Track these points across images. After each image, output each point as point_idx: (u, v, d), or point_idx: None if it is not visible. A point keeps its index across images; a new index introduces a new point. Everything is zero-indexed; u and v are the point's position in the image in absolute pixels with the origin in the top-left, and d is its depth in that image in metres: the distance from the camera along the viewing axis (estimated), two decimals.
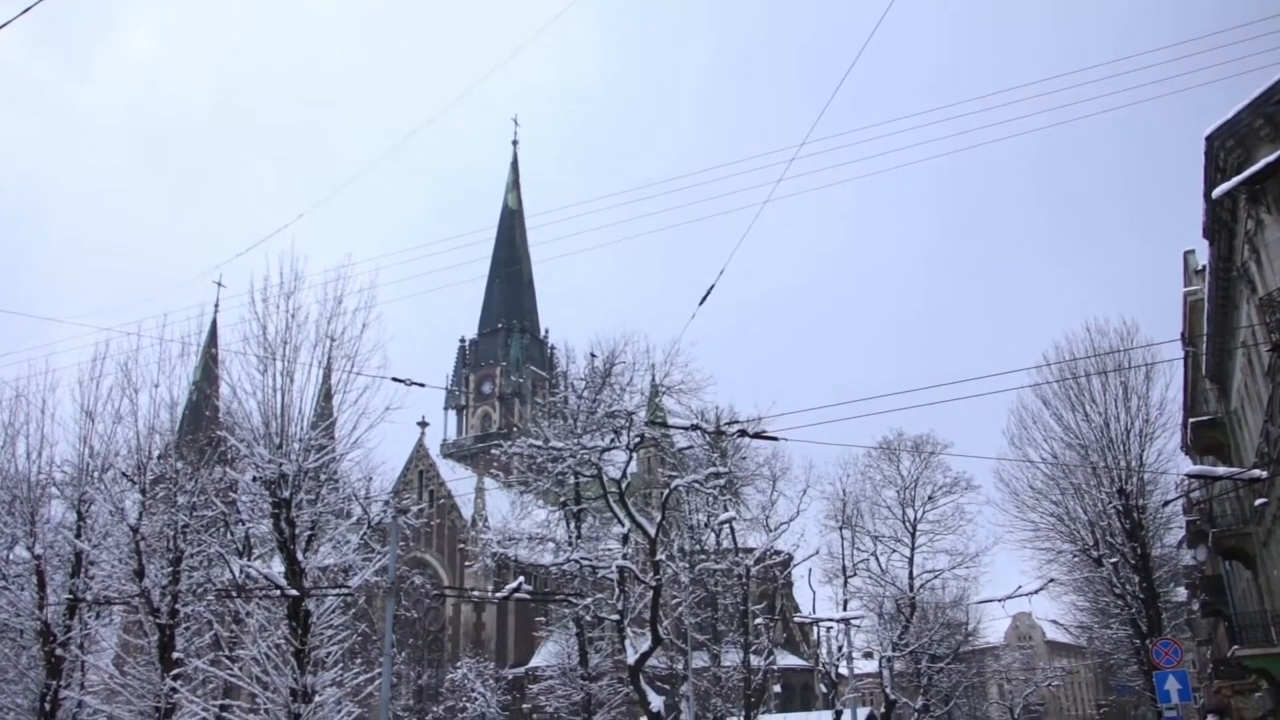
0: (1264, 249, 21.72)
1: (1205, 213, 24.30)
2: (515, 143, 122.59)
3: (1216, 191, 21.82)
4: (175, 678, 30.57)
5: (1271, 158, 19.81)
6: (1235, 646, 32.77)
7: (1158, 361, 40.43)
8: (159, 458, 33.60)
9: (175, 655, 31.13)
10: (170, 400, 33.55)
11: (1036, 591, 43.41)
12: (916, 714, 59.56)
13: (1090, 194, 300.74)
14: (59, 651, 32.25)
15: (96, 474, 33.15)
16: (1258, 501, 27.64)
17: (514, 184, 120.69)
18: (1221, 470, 28.78)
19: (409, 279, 48.57)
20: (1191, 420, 35.26)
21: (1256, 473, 24.93)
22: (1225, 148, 21.74)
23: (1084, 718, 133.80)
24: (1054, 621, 69.07)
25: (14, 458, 34.58)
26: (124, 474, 32.73)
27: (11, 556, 34.66)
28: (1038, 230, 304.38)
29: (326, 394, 31.31)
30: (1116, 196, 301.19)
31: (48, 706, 32.10)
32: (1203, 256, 29.07)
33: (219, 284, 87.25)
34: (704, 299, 19.24)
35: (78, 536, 33.06)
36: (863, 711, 56.21)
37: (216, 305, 72.46)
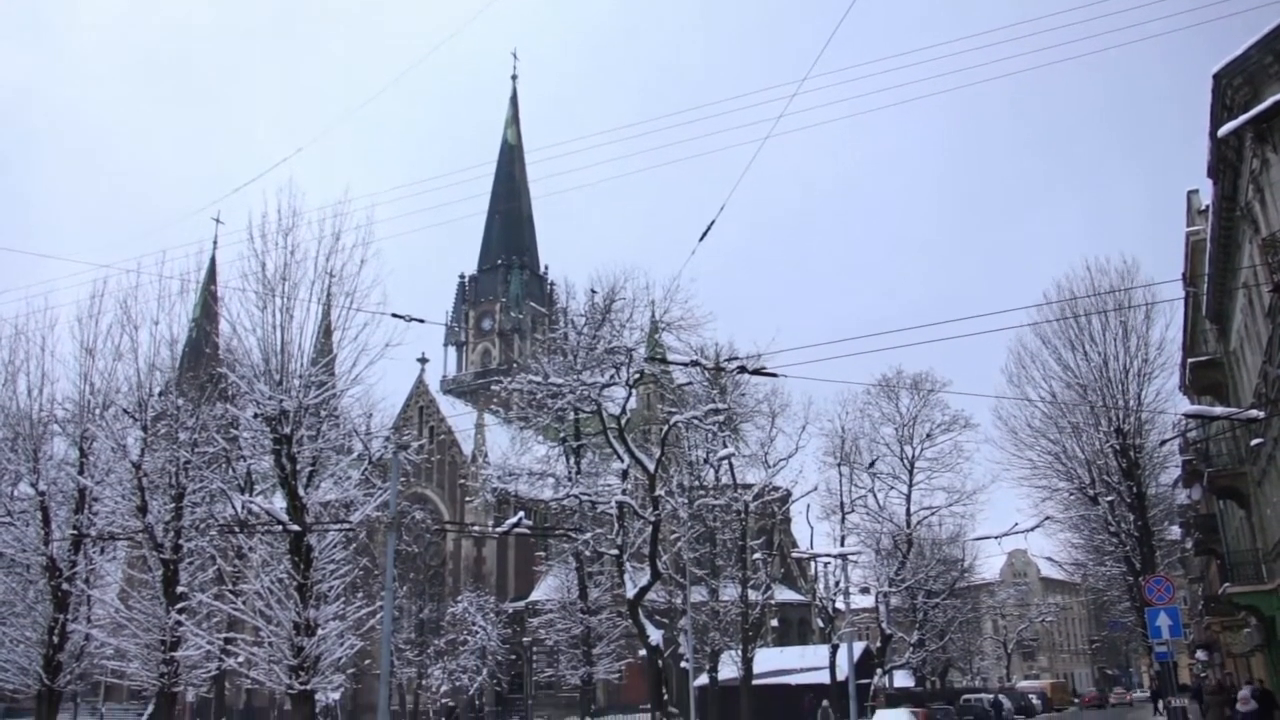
0: (1269, 188, 21.56)
1: (1210, 151, 24.08)
2: (515, 77, 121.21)
3: (1222, 130, 21.58)
4: (180, 612, 30.97)
5: None
6: (1227, 584, 33.17)
7: (1158, 301, 40.43)
8: (160, 394, 33.69)
9: (179, 590, 31.50)
10: (170, 337, 33.57)
11: (1032, 529, 43.92)
12: (911, 648, 60.39)
13: (1096, 132, 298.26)
14: (65, 586, 32.62)
15: (98, 411, 33.24)
16: (1254, 441, 27.77)
17: (513, 119, 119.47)
18: (1219, 410, 28.82)
19: (408, 215, 48.40)
20: (1190, 360, 35.30)
21: (1254, 413, 24.98)
22: (1233, 85, 21.48)
23: (1076, 653, 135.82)
24: (1049, 558, 69.72)
25: (15, 395, 34.66)
26: (125, 411, 32.84)
27: (16, 493, 34.91)
28: (1042, 168, 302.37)
29: (326, 330, 31.29)
30: (1122, 135, 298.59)
31: (56, 639, 32.56)
32: (1206, 196, 28.88)
33: (217, 221, 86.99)
34: (704, 235, 19.12)
35: (80, 473, 33.26)
36: (859, 645, 56.97)
37: (215, 242, 72.28)
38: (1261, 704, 27.70)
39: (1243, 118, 19.86)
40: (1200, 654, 68.01)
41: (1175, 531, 53.72)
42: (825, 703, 45.97)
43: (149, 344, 33.15)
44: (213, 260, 71.03)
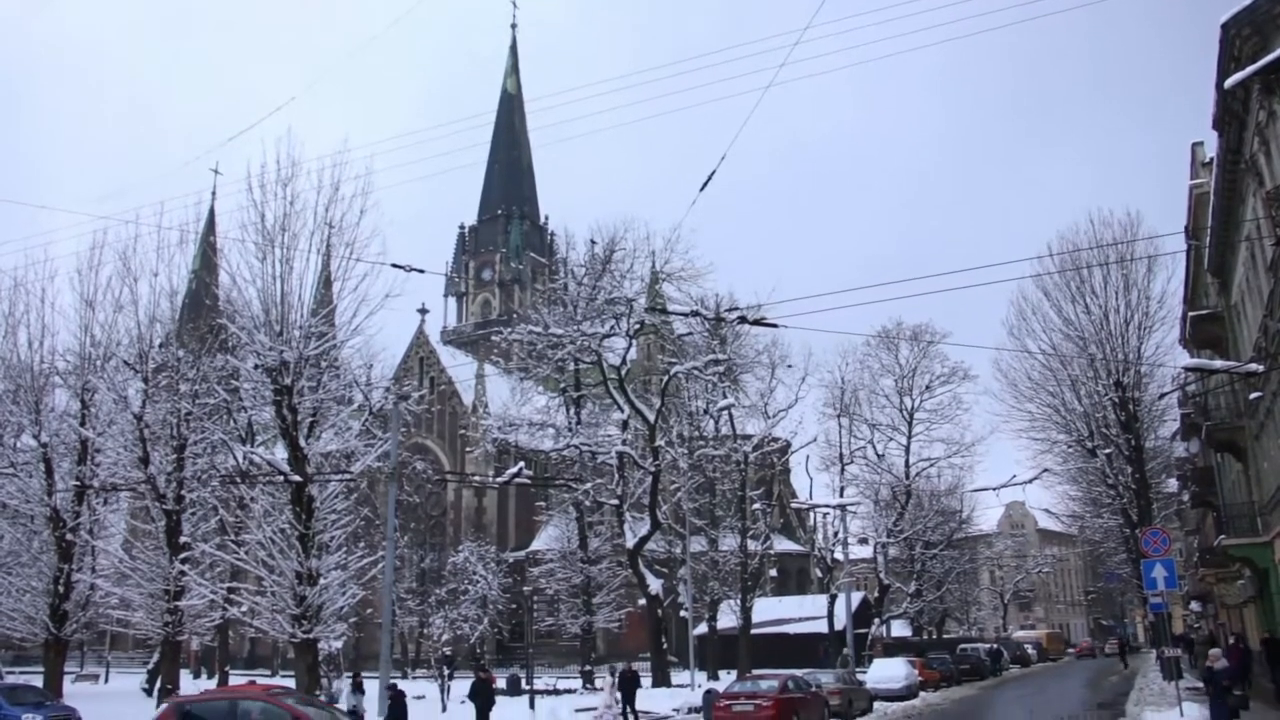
0: (1274, 141, 21.37)
1: (1216, 103, 23.84)
2: (514, 26, 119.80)
3: (1229, 81, 21.33)
4: (183, 561, 31.23)
5: None
6: (1222, 536, 33.36)
7: (1160, 254, 40.24)
8: (160, 346, 33.74)
9: (182, 540, 31.74)
10: (170, 289, 33.57)
11: (1030, 481, 44.11)
12: (909, 598, 60.90)
13: (1102, 83, 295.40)
14: (69, 536, 32.88)
15: (99, 363, 33.30)
16: (1252, 395, 27.78)
17: (513, 68, 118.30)
18: (1219, 364, 28.80)
19: (407, 164, 47.98)
20: (1191, 314, 35.22)
21: (1253, 366, 24.96)
22: (1241, 35, 21.20)
23: (1072, 604, 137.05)
24: (1046, 510, 70.19)
25: (16, 347, 34.73)
26: (126, 362, 32.89)
27: (18, 444, 35.06)
28: (1046, 119, 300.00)
29: (326, 281, 31.24)
30: (1129, 86, 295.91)
31: (61, 589, 32.86)
32: (1211, 148, 28.65)
33: (215, 171, 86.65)
34: (705, 185, 18.98)
35: (82, 424, 33.38)
36: (857, 595, 57.48)
37: (214, 193, 71.90)
38: (1241, 661, 28.02)
39: (1250, 69, 19.61)
40: (1194, 605, 68.61)
41: (1172, 484, 53.93)
42: (846, 650, 46.46)
43: (149, 296, 33.16)
44: (211, 211, 70.84)
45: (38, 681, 33.03)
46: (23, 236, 77.90)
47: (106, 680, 60.08)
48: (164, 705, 17.11)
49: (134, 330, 33.05)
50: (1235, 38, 21.24)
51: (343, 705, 25.75)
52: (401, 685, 36.29)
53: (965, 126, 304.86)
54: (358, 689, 26.51)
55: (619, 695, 26.33)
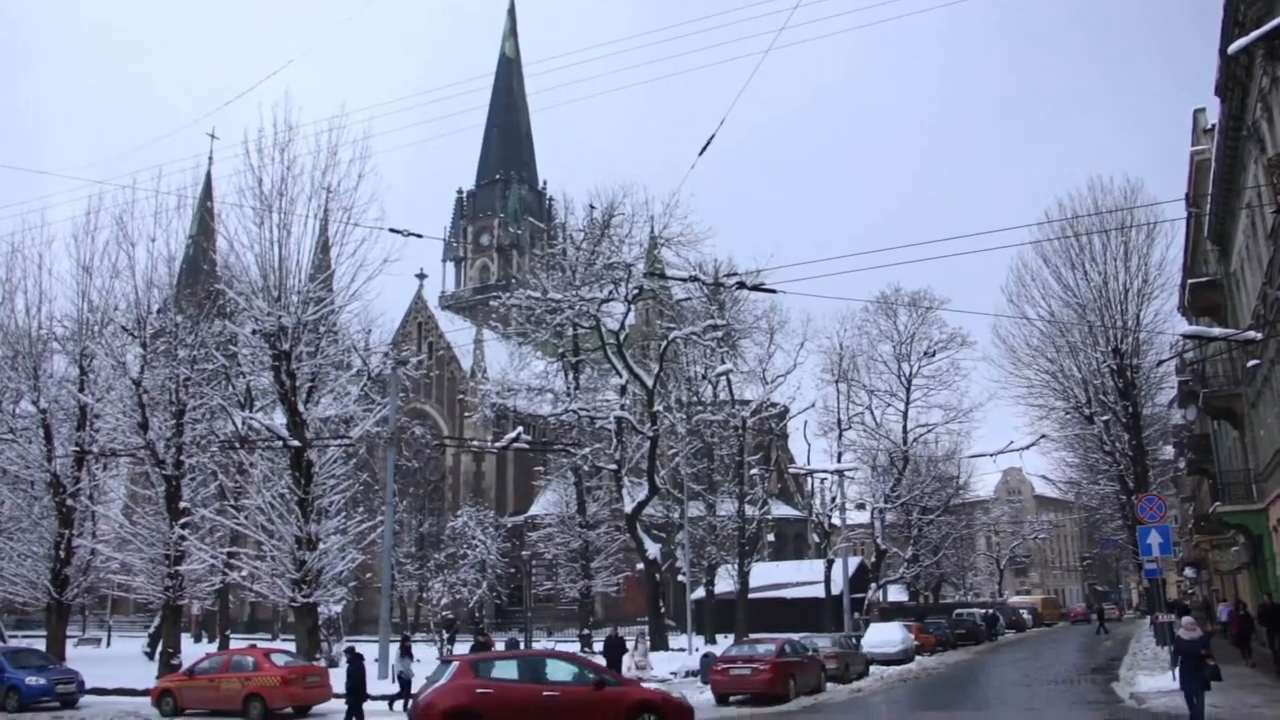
0: (1277, 107, 21.26)
1: (1219, 69, 23.70)
2: None
3: (1233, 46, 21.15)
4: (183, 527, 31.36)
5: None
6: (1217, 503, 33.54)
7: (1160, 221, 40.09)
8: (158, 311, 33.72)
9: (182, 505, 31.86)
10: (168, 254, 33.50)
11: (1028, 447, 44.14)
12: (906, 563, 61.22)
13: (1105, 49, 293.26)
14: (69, 502, 33.01)
15: (97, 328, 33.30)
16: (1250, 363, 27.80)
17: (511, 31, 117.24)
18: (1217, 331, 28.78)
19: (405, 128, 47.74)
20: (1190, 281, 35.18)
21: (1252, 334, 24.96)
22: (1245, 0, 21.06)
23: (1068, 569, 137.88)
24: (1043, 477, 70.45)
25: (13, 313, 34.72)
26: (124, 328, 32.88)
27: (18, 410, 35.11)
28: (1049, 84, 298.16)
29: (324, 246, 31.16)
30: (1132, 53, 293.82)
31: (62, 554, 33.03)
32: (1213, 115, 28.52)
33: (212, 136, 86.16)
34: (704, 149, 18.90)
35: (81, 390, 33.42)
36: (854, 560, 57.79)
37: (211, 157, 71.52)
38: (1242, 627, 28.19)
39: (1254, 34, 19.43)
40: (1189, 571, 69.08)
41: (1169, 451, 54.12)
42: (855, 615, 46.79)
43: (146, 261, 33.11)
44: (208, 176, 70.23)
45: (40, 645, 33.26)
46: (19, 201, 77.54)
47: (108, 644, 60.47)
48: (455, 663, 17.47)
49: (132, 296, 33.04)
50: (1239, 3, 21.08)
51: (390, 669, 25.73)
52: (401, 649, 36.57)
53: (966, 92, 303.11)
54: (406, 653, 26.10)
55: (650, 660, 25.65)
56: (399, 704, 24.09)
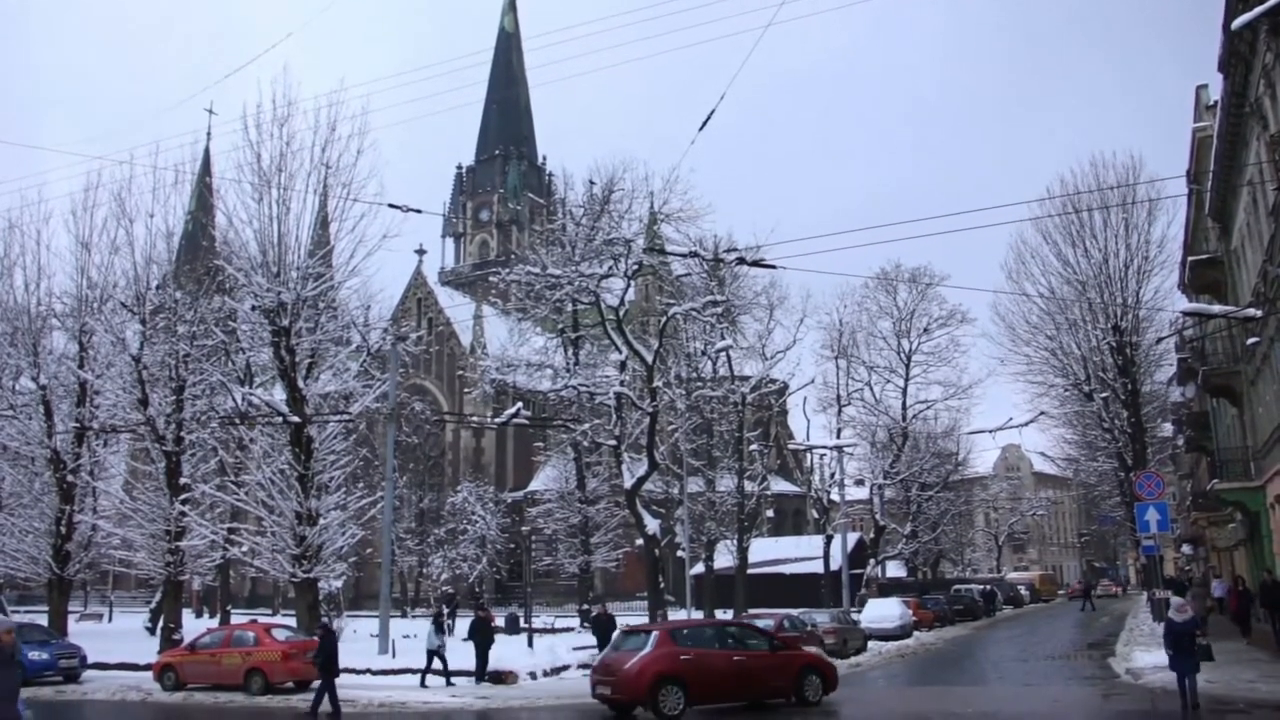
0: None
1: (1222, 45, 23.56)
2: None
3: (1237, 22, 21.03)
4: (184, 502, 31.43)
5: None
6: (1215, 480, 33.61)
7: (1161, 198, 39.96)
8: (157, 288, 33.65)
9: (183, 481, 31.94)
10: (166, 230, 33.39)
11: (1027, 424, 44.11)
12: (904, 539, 61.41)
13: (1111, 23, 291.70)
14: (70, 478, 33.08)
15: (96, 305, 33.26)
16: (1250, 340, 27.79)
17: (511, 6, 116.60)
18: (1217, 308, 28.75)
19: (404, 104, 47.51)
20: (1191, 258, 35.09)
21: (1251, 311, 24.95)
22: None
23: (1066, 546, 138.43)
24: (1042, 453, 70.35)
25: (12, 289, 34.68)
26: (123, 304, 32.85)
27: (17, 387, 35.13)
28: (1052, 59, 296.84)
29: (323, 222, 31.08)
30: (1135, 28, 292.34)
31: (63, 530, 33.12)
32: (1215, 92, 28.39)
33: (210, 111, 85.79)
34: (704, 124, 18.76)
35: (81, 367, 33.42)
36: (853, 536, 57.97)
37: (209, 133, 71.16)
38: (1241, 603, 28.24)
39: (1258, 9, 19.32)
40: (1186, 548, 69.34)
41: (1167, 429, 54.17)
42: (863, 591, 46.97)
43: (145, 237, 33.03)
44: (207, 152, 69.72)
45: (43, 620, 33.41)
46: (16, 177, 77.32)
47: (110, 619, 60.76)
48: (655, 632, 18.58)
49: (131, 272, 32.97)
50: None
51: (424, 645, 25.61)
52: (402, 624, 36.76)
53: (967, 68, 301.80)
54: (439, 628, 25.53)
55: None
56: (430, 677, 24.34)
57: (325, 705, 19.74)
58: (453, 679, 24.49)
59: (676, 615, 45.62)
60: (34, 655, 25.84)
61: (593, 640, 31.14)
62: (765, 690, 18.98)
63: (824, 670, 19.60)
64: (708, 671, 18.08)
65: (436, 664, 24.76)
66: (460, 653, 26.23)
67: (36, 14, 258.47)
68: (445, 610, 41.48)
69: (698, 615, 44.54)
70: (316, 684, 20.50)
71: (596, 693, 18.67)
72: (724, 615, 41.82)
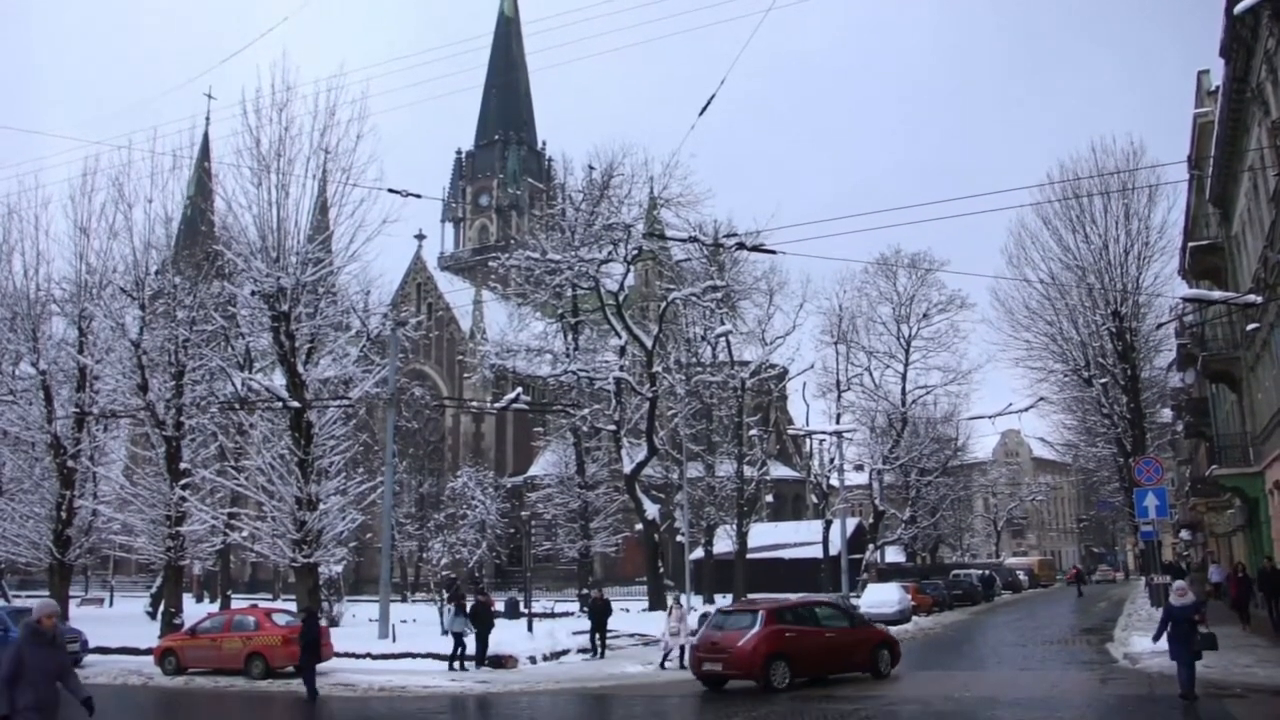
0: None
1: (1225, 30, 23.46)
2: None
3: (1239, 6, 20.99)
4: (184, 488, 31.46)
5: None
6: (1214, 466, 33.63)
7: (1162, 183, 39.85)
8: (156, 273, 33.61)
9: (183, 466, 31.96)
10: (165, 215, 33.33)
11: (1026, 409, 44.11)
12: (903, 525, 61.51)
13: (1109, 10, 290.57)
14: (70, 463, 33.10)
15: (95, 290, 33.21)
16: (1250, 326, 27.76)
17: None
18: (1217, 294, 28.70)
19: (403, 89, 47.39)
20: (1191, 244, 35.03)
21: (1252, 297, 24.93)
22: None
23: (1064, 531, 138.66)
24: (1041, 439, 70.40)
25: (11, 275, 34.62)
26: (123, 289, 32.81)
27: (17, 372, 35.12)
28: (1054, 44, 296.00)
29: (322, 207, 31.01)
30: (1137, 12, 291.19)
31: (64, 515, 33.16)
32: (1217, 77, 28.30)
33: (209, 96, 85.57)
34: (704, 109, 18.72)
35: (80, 352, 33.40)
36: (852, 521, 58.07)
37: (208, 118, 70.92)
38: (1240, 589, 28.21)
39: None
40: (1184, 534, 69.43)
41: (1166, 414, 54.17)
42: (864, 575, 47.02)
43: (144, 222, 32.96)
44: (206, 136, 69.59)
45: None
46: (14, 162, 76.98)
47: (111, 604, 60.85)
48: (761, 612, 19.94)
49: (130, 257, 32.92)
50: None
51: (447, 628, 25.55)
52: (402, 608, 36.80)
53: (967, 52, 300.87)
54: (461, 612, 25.20)
55: (688, 624, 25.14)
56: (458, 662, 24.38)
57: (317, 690, 19.82)
58: (466, 664, 24.56)
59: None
60: None
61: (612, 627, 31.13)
62: (848, 664, 20.64)
63: (892, 646, 21.31)
64: (805, 647, 19.77)
65: (456, 648, 24.77)
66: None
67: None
68: (457, 596, 41.53)
69: (697, 601, 44.69)
70: (298, 669, 20.54)
71: (703, 669, 19.88)
72: (724, 600, 41.89)
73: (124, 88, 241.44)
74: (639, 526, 48.58)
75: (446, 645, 25.06)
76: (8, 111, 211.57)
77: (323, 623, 28.38)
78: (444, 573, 49.19)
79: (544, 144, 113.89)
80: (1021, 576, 73.49)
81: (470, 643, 24.96)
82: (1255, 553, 33.17)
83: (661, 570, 45.77)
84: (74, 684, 9.45)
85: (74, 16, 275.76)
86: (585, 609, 42.28)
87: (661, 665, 24.32)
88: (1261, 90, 22.97)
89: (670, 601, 27.33)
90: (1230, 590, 31.05)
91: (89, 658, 27.05)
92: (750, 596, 35.15)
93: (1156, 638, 17.04)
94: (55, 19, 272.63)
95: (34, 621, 9.38)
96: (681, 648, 23.65)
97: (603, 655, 27.32)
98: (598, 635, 27.79)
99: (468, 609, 25.43)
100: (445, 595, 41.34)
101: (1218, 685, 17.16)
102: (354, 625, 34.36)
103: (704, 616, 28.15)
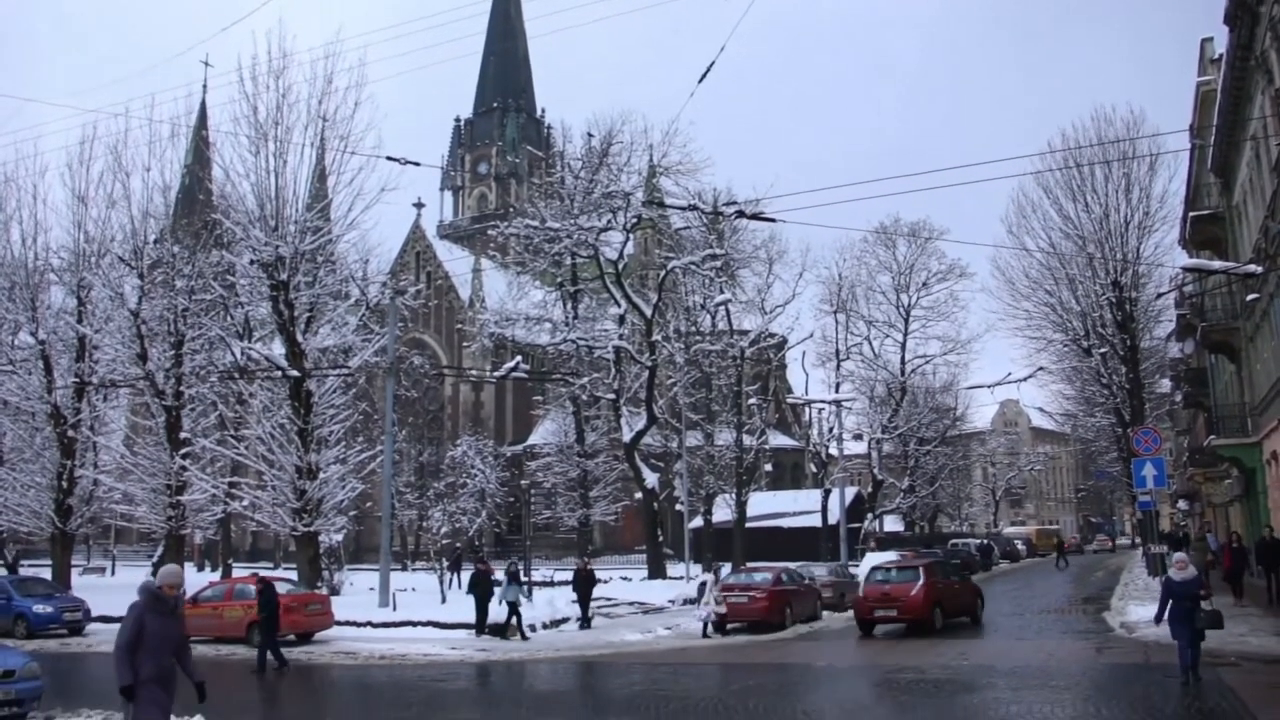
0: None
1: None
2: None
3: None
4: (184, 457, 31.54)
5: None
6: (1212, 436, 33.71)
7: (1163, 153, 39.70)
8: (155, 242, 33.58)
9: (183, 435, 32.05)
10: (163, 184, 33.31)
11: (1025, 379, 44.09)
12: (902, 494, 61.68)
13: None
14: (71, 433, 33.16)
15: (94, 259, 33.18)
16: (1249, 297, 27.74)
17: None
18: (1218, 264, 28.67)
19: (401, 55, 47.13)
20: (1192, 214, 34.92)
21: (1252, 268, 24.87)
22: None
23: (1062, 501, 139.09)
24: (1040, 409, 70.59)
25: (9, 244, 34.58)
26: (121, 259, 32.78)
27: (16, 342, 35.11)
28: (1053, 13, 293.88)
29: (321, 175, 30.94)
30: None
31: (65, 485, 33.25)
32: (1221, 45, 28.13)
33: (206, 64, 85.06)
34: (703, 76, 18.56)
35: (79, 321, 33.39)
36: (850, 490, 58.22)
37: (205, 85, 70.48)
38: (1234, 561, 28.20)
39: None
40: (1182, 504, 69.73)
41: (1165, 384, 54.24)
42: (871, 544, 47.16)
43: (142, 191, 32.91)
44: (203, 104, 69.25)
45: (46, 574, 33.61)
46: (11, 130, 76.49)
47: (113, 573, 61.02)
48: (921, 566, 24.38)
49: (128, 226, 32.89)
50: None
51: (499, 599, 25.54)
52: (402, 577, 36.90)
53: (968, 18, 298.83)
54: (514, 580, 25.27)
55: (717, 596, 24.97)
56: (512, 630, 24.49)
57: (285, 658, 19.73)
58: (527, 633, 24.74)
59: (676, 569, 45.93)
60: (39, 609, 26.09)
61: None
62: (964, 610, 25.18)
63: (982, 596, 26.62)
64: (948, 596, 24.25)
65: (510, 617, 24.77)
66: (464, 605, 26.45)
67: None
68: (445, 562, 41.65)
69: (696, 569, 44.87)
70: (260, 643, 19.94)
71: (876, 614, 23.43)
72: (723, 569, 42.06)
73: (121, 55, 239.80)
74: (638, 495, 48.77)
75: (446, 614, 25.23)
76: (4, 79, 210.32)
77: (323, 590, 28.59)
78: (446, 541, 49.35)
79: (543, 111, 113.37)
80: (1019, 546, 73.75)
81: (526, 613, 25.10)
82: (1252, 523, 33.29)
83: (661, 539, 45.99)
84: (189, 662, 8.72)
85: None
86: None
87: (704, 633, 24.24)
88: (1266, 58, 22.84)
89: (708, 574, 27.31)
90: (1224, 561, 31.10)
91: (92, 626, 27.20)
92: (749, 565, 35.23)
93: (1159, 618, 15.02)
94: None
95: (156, 588, 8.62)
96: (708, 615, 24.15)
97: (588, 625, 27.08)
98: (582, 606, 27.26)
99: (519, 578, 25.80)
100: (445, 563, 41.55)
101: (1212, 654, 17.21)
102: (354, 594, 34.46)
103: (702, 585, 28.21)
